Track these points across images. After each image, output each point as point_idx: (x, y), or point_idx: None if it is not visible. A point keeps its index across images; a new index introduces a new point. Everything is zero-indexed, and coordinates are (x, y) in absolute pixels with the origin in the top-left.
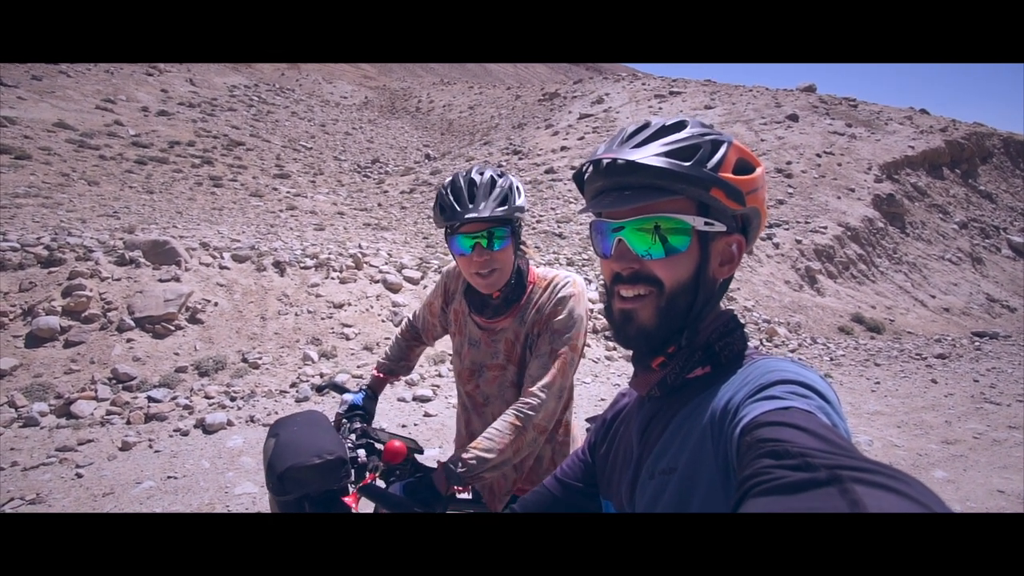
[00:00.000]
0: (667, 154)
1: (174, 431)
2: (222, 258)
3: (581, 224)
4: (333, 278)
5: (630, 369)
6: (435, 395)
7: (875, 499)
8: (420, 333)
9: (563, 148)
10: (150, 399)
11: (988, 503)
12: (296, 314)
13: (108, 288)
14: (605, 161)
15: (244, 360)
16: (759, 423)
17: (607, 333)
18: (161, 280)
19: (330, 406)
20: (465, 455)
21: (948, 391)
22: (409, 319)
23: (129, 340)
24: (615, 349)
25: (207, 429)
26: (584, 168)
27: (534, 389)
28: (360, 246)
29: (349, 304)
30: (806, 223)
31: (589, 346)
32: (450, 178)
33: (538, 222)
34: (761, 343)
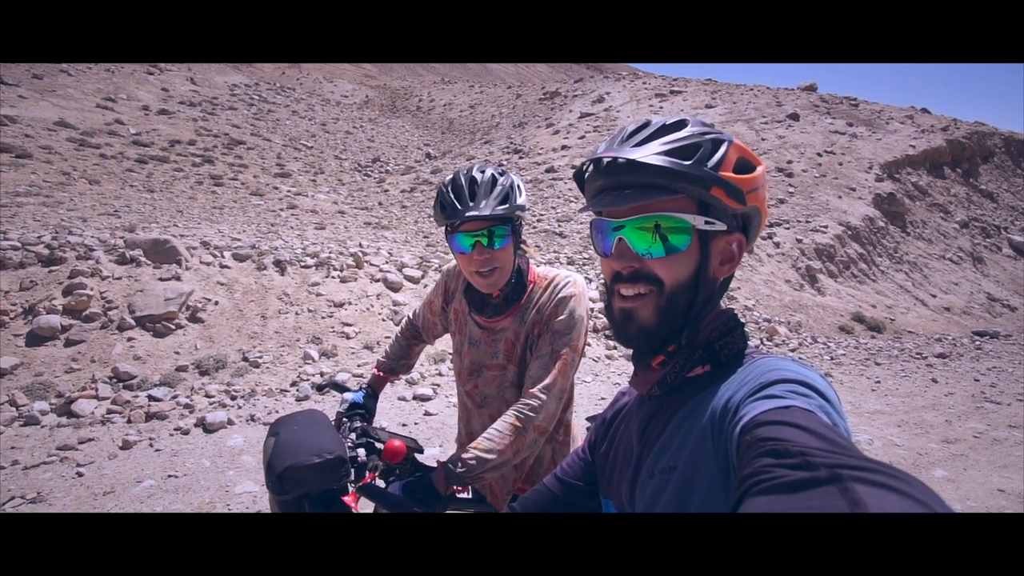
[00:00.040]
0: (667, 153)
1: (175, 430)
2: (223, 257)
3: (582, 223)
4: (334, 277)
5: (630, 368)
6: (435, 394)
7: (875, 498)
8: (420, 331)
9: (564, 147)
10: (151, 398)
11: (988, 502)
12: (297, 313)
13: (109, 287)
14: (605, 160)
15: (245, 359)
16: (759, 422)
17: (607, 332)
18: (162, 279)
19: (330, 405)
20: (465, 455)
21: (948, 390)
22: (409, 317)
23: (130, 339)
24: (615, 348)
25: (208, 428)
26: (584, 167)
27: (535, 390)
28: (361, 245)
29: (349, 303)
30: (807, 222)
31: (590, 345)
32: (451, 176)
33: (539, 221)
34: (762, 342)
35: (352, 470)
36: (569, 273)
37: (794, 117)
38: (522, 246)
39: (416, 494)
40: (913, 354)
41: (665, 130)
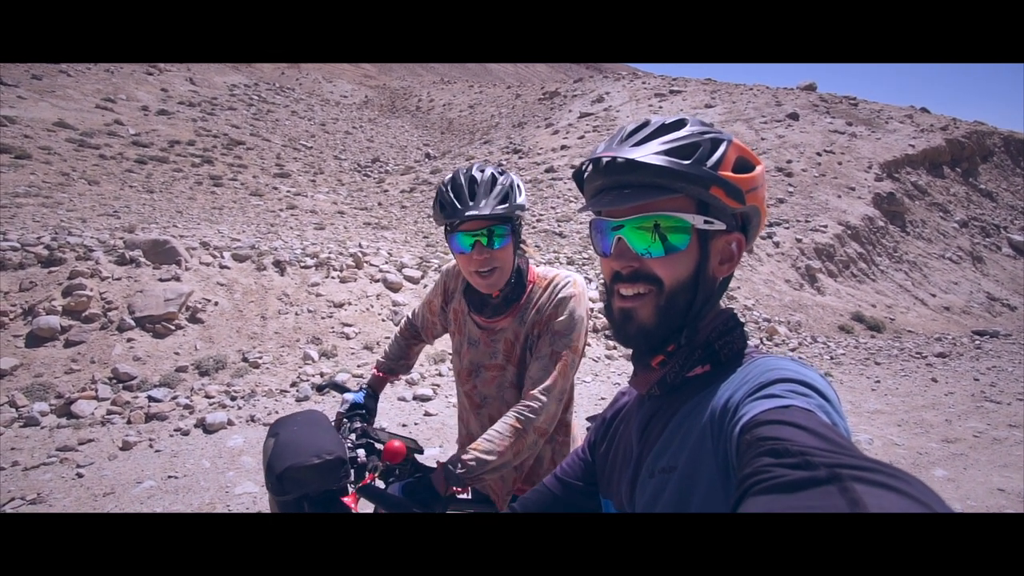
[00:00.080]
0: (667, 152)
1: (174, 431)
2: (222, 257)
3: (581, 223)
4: (333, 277)
5: (630, 368)
6: (435, 394)
7: (875, 498)
8: (419, 331)
9: (563, 147)
10: (150, 399)
11: (988, 502)
12: (296, 313)
13: (108, 288)
14: (605, 159)
15: (244, 359)
16: (759, 421)
17: (607, 332)
18: (161, 279)
19: (330, 405)
20: (465, 456)
21: (948, 390)
22: (408, 317)
23: (129, 340)
24: (615, 348)
25: (207, 429)
26: (584, 167)
27: (535, 392)
28: (360, 245)
29: (349, 303)
30: (806, 222)
31: (589, 345)
32: (450, 175)
33: (538, 221)
34: (761, 342)
35: (352, 471)
36: (569, 273)
37: (793, 117)
38: (522, 246)
39: (416, 495)
40: (913, 353)
41: (664, 130)
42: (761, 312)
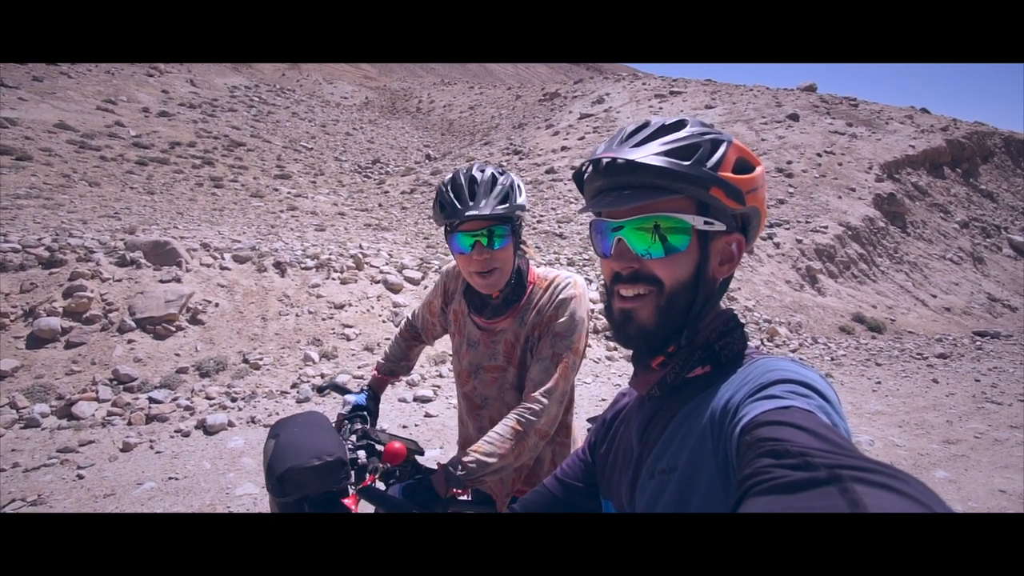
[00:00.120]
0: (666, 153)
1: (175, 432)
2: (223, 259)
3: (581, 224)
4: (334, 279)
5: (630, 369)
6: (436, 395)
7: (875, 498)
8: (419, 333)
9: (563, 148)
10: (151, 400)
11: (989, 503)
12: (297, 315)
13: (109, 289)
14: (605, 160)
15: (245, 361)
16: (759, 422)
17: (608, 333)
18: (162, 281)
19: (331, 407)
20: (465, 458)
21: (949, 391)
22: (408, 319)
23: (130, 341)
24: (615, 349)
25: (208, 430)
26: (584, 168)
27: (536, 394)
28: (361, 246)
29: (350, 305)
30: (807, 223)
31: (590, 346)
32: (450, 175)
33: (539, 222)
34: (762, 343)
35: (352, 472)
36: (569, 274)
37: (794, 117)
38: (522, 247)
39: (416, 496)
40: (914, 354)
41: (664, 130)
42: (762, 313)
